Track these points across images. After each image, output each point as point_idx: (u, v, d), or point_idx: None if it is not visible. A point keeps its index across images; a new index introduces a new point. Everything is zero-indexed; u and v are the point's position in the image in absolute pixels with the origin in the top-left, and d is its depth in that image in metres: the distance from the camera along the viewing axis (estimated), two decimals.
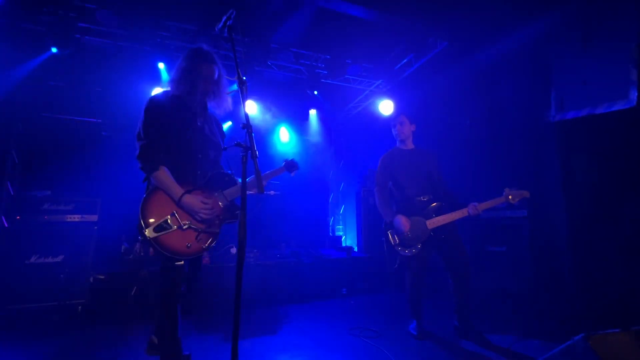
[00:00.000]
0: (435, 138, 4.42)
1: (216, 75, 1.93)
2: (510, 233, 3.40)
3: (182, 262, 1.79)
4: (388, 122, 3.07)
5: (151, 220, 1.72)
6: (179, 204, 1.77)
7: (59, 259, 3.29)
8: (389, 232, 2.70)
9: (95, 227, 3.50)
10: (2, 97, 3.89)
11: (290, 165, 2.16)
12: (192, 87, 1.91)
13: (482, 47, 3.81)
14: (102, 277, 3.22)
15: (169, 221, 1.75)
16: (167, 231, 1.73)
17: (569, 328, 2.62)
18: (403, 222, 2.61)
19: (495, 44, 3.63)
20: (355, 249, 5.33)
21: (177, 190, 1.78)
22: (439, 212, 2.66)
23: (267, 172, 2.09)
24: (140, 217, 1.71)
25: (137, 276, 3.30)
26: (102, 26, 3.67)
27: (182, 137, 1.86)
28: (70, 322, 3.06)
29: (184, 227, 1.77)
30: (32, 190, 3.48)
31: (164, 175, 1.78)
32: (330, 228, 6.66)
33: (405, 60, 4.67)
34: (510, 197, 2.57)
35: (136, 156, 1.79)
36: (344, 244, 5.88)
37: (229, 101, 2.05)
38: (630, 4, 2.67)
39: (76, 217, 3.46)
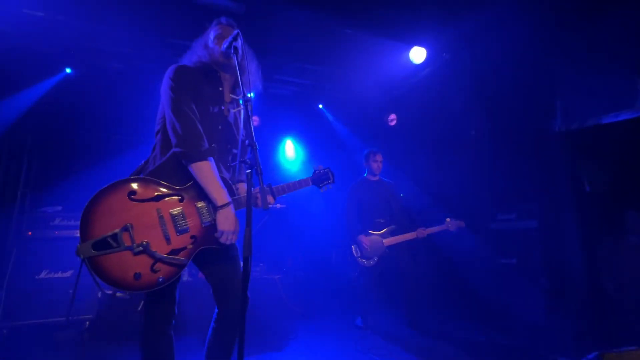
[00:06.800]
0: (439, 150, 4.40)
1: (239, 41, 1.45)
2: (520, 245, 3.34)
3: (173, 292, 1.44)
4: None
5: (93, 230, 1.24)
6: (219, 211, 1.37)
7: (68, 274, 3.32)
8: (352, 247, 3.42)
9: None
10: (15, 116, 4.03)
11: (321, 176, 1.70)
12: (210, 51, 1.55)
13: (486, 58, 3.83)
14: (110, 292, 3.23)
15: (118, 236, 1.26)
16: (111, 251, 1.24)
17: (584, 345, 2.53)
18: (364, 240, 3.35)
19: (500, 54, 3.64)
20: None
21: (223, 194, 1.37)
22: (393, 233, 3.38)
23: (286, 183, 1.67)
24: (80, 223, 1.25)
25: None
26: (112, 47, 3.80)
27: (213, 121, 1.52)
28: (78, 338, 3.07)
29: (136, 249, 1.27)
30: (43, 206, 3.55)
31: (211, 168, 1.39)
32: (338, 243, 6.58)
33: (408, 71, 4.70)
34: (450, 225, 3.27)
35: (174, 144, 1.38)
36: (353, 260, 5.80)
37: (256, 81, 1.64)
38: (633, 15, 2.67)
39: None
